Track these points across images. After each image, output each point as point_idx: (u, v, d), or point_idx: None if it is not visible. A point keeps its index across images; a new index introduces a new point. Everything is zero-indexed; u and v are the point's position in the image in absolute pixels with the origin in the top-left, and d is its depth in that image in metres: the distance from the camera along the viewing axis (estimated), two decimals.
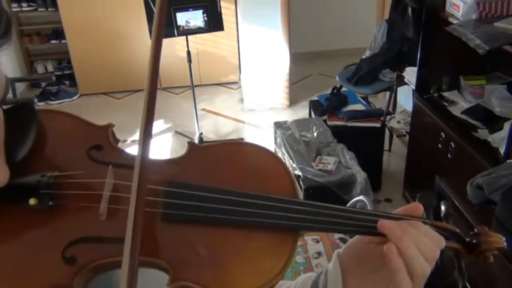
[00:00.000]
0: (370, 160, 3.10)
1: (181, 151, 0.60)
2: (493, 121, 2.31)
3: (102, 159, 0.56)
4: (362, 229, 0.56)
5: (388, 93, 3.70)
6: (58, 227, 0.51)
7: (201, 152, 0.59)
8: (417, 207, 0.58)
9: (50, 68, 5.23)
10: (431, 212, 0.59)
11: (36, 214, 0.51)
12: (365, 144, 3.14)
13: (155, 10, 0.48)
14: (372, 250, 0.58)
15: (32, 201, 0.50)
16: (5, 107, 0.50)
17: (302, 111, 4.43)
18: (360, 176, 2.68)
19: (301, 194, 2.62)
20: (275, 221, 0.53)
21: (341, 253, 0.62)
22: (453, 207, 2.33)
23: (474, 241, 0.60)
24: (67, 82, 5.20)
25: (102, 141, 0.57)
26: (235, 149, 0.60)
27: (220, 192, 0.54)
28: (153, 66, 0.48)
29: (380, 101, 4.30)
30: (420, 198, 0.61)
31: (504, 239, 0.60)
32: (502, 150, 2.08)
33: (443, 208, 0.62)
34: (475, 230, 0.61)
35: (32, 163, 0.53)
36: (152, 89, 0.48)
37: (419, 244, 0.53)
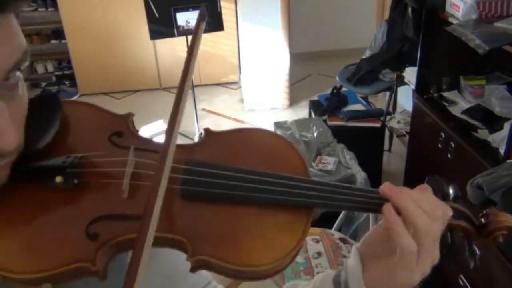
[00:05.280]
0: (370, 160, 3.10)
1: None
2: (493, 121, 2.31)
3: (123, 144, 0.58)
4: (372, 205, 0.58)
5: (388, 93, 3.70)
6: (82, 204, 0.53)
7: (217, 137, 0.62)
8: (425, 188, 0.58)
9: (50, 68, 5.22)
10: (439, 195, 0.60)
11: (61, 192, 0.53)
12: (365, 144, 3.13)
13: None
14: (385, 235, 0.59)
15: (58, 179, 0.52)
16: (33, 96, 0.53)
17: (302, 111, 4.43)
18: (360, 176, 2.68)
19: None
20: (290, 198, 0.55)
21: (358, 246, 0.63)
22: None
23: (484, 221, 0.61)
24: (67, 82, 5.19)
25: (122, 129, 0.60)
26: (250, 134, 0.64)
27: (236, 170, 0.56)
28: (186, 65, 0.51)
29: (380, 101, 4.30)
30: (428, 181, 0.61)
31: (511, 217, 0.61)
32: (502, 150, 2.08)
33: (451, 191, 0.62)
34: (484, 211, 0.62)
35: (56, 148, 0.56)
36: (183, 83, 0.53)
37: (419, 200, 0.54)
